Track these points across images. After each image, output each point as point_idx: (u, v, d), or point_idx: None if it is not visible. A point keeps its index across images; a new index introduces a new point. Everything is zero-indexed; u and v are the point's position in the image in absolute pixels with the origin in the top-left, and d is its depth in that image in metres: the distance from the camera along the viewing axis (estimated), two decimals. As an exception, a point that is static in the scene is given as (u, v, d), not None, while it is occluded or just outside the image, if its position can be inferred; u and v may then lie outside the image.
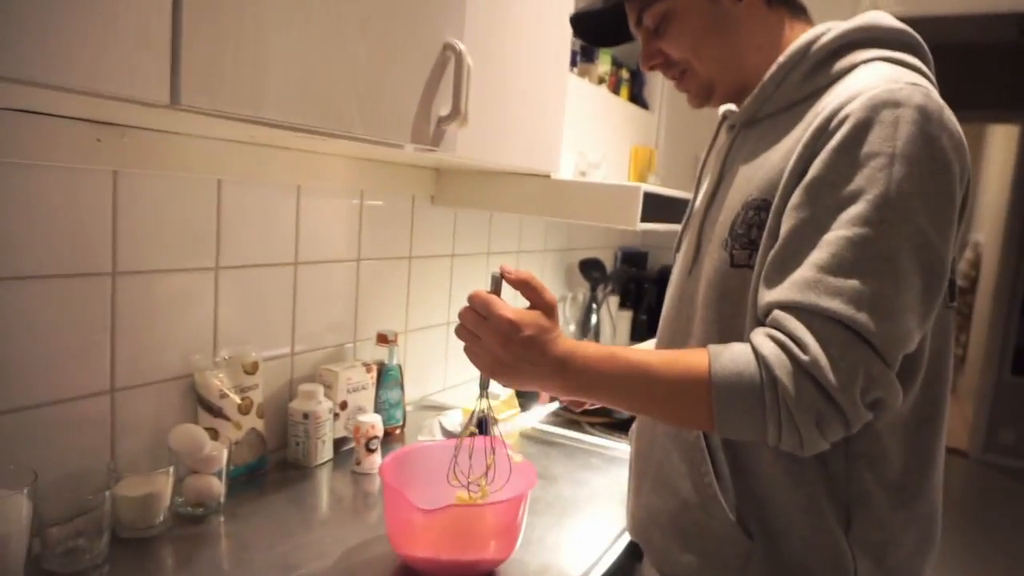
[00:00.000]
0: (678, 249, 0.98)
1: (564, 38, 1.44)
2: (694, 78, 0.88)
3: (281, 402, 1.29)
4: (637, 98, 2.07)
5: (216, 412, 1.12)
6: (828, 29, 0.80)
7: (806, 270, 0.68)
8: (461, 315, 0.77)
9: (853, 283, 0.65)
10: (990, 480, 4.51)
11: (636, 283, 2.63)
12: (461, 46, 1.03)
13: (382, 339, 1.43)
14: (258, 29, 0.74)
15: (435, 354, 1.74)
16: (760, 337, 0.69)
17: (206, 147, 1.09)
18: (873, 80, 0.72)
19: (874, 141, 0.67)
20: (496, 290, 0.78)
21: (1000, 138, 5.56)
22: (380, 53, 0.91)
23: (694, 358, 0.72)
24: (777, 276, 0.71)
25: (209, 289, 1.14)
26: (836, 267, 0.66)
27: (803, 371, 0.65)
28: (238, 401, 1.15)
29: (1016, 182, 4.69)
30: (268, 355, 1.26)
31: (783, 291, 0.69)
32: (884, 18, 0.79)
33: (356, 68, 0.88)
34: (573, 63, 1.67)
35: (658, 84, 2.12)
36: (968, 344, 5.77)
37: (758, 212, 0.77)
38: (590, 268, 2.31)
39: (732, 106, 0.94)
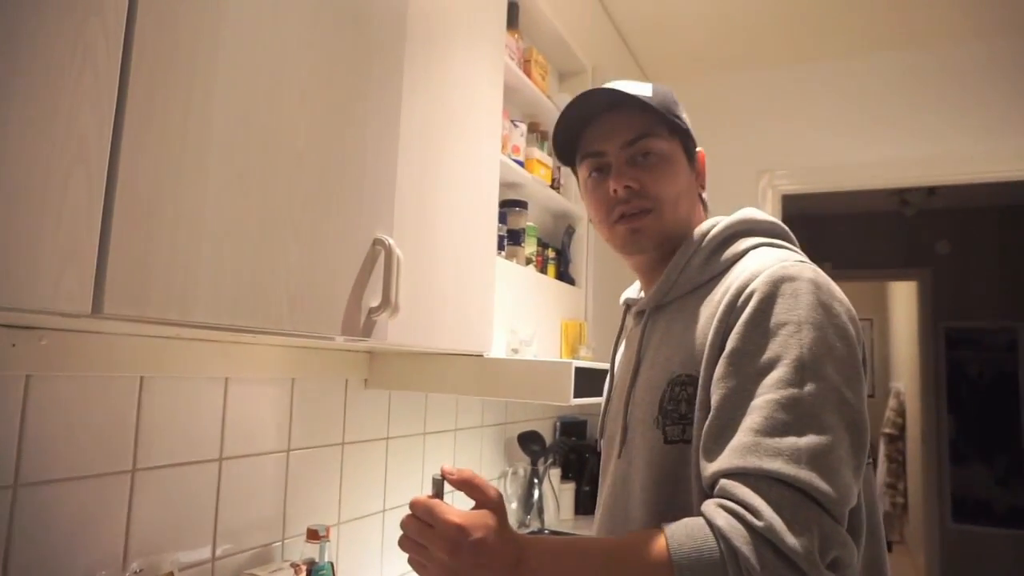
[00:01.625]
0: (602, 436, 0.99)
1: (491, 225, 1.52)
2: (657, 222, 0.90)
3: (198, 617, 1.17)
4: (564, 275, 2.17)
5: (122, 637, 1.01)
6: (716, 223, 0.91)
7: (743, 436, 0.70)
8: (403, 524, 0.74)
9: (790, 441, 0.68)
10: (953, 638, 4.37)
11: (577, 453, 2.60)
12: (390, 240, 1.08)
13: (312, 535, 1.35)
14: (194, 236, 0.77)
15: (370, 546, 1.64)
16: (711, 508, 0.70)
17: (130, 344, 1.07)
18: (767, 260, 0.81)
19: (780, 312, 0.75)
20: (438, 493, 0.76)
21: (901, 293, 6.01)
22: (312, 252, 0.94)
23: (651, 539, 0.70)
24: (715, 446, 0.73)
25: (123, 494, 1.07)
26: (770, 428, 0.69)
27: (761, 538, 0.65)
28: (148, 621, 1.04)
29: (922, 331, 5.01)
30: (187, 562, 1.16)
31: (724, 459, 0.71)
32: (757, 213, 0.92)
33: (288, 268, 0.90)
34: (500, 247, 1.76)
35: (583, 260, 2.24)
36: (907, 492, 5.82)
37: (684, 387, 0.81)
38: (529, 441, 2.28)
39: (632, 295, 1.03)
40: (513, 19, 1.82)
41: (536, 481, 2.28)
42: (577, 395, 1.47)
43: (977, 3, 2.49)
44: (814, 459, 0.67)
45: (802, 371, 0.71)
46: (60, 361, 0.98)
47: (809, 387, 0.71)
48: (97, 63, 0.68)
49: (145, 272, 0.71)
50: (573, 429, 2.77)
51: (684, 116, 0.96)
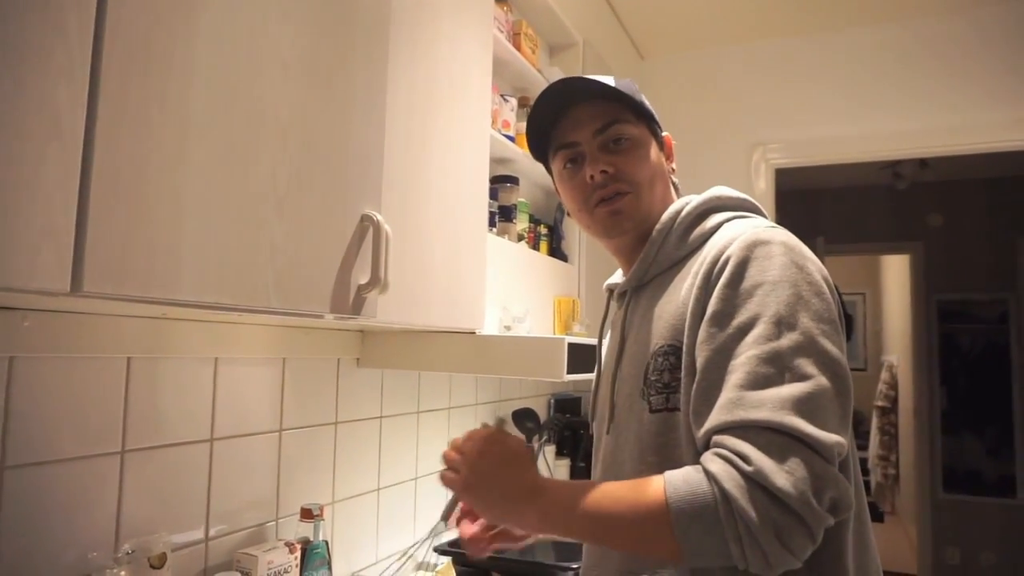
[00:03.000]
0: (593, 417, 1.00)
1: (482, 201, 1.51)
2: (635, 204, 0.93)
3: (193, 597, 1.17)
4: (556, 252, 2.16)
5: (116, 618, 1.00)
6: (688, 201, 0.94)
7: (728, 392, 0.73)
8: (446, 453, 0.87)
9: (772, 392, 0.70)
10: (944, 605, 4.44)
11: (571, 430, 2.61)
12: (379, 216, 1.06)
13: (306, 514, 1.34)
14: (175, 213, 0.75)
15: (366, 525, 1.64)
16: (707, 456, 0.72)
17: (115, 325, 1.06)
18: (739, 229, 0.84)
19: (754, 274, 0.77)
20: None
21: (894, 266, 6.02)
22: (298, 229, 0.93)
23: (652, 483, 0.73)
24: (704, 408, 0.75)
25: (113, 476, 1.06)
26: (753, 382, 0.72)
27: (752, 482, 0.67)
28: (142, 602, 1.03)
29: (914, 304, 5.03)
30: (180, 542, 1.16)
31: (713, 418, 0.73)
32: (727, 190, 0.95)
33: (273, 245, 0.88)
34: (492, 223, 1.74)
35: (576, 237, 2.23)
36: (899, 464, 5.89)
37: (667, 357, 0.83)
38: (524, 419, 2.28)
39: (614, 280, 1.06)
40: (501, -9, 1.79)
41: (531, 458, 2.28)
42: (571, 371, 1.46)
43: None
44: (798, 404, 0.69)
45: (779, 325, 0.73)
46: (44, 343, 0.96)
47: (787, 339, 0.73)
48: (69, 35, 0.66)
49: (125, 249, 0.70)
50: (568, 406, 2.77)
51: (647, 101, 0.98)
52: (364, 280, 1.04)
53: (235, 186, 0.83)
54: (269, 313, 0.92)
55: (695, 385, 0.77)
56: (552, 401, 2.69)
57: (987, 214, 4.90)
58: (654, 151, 0.95)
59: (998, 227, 4.84)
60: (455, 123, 1.39)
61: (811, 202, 5.15)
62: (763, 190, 2.88)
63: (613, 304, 1.05)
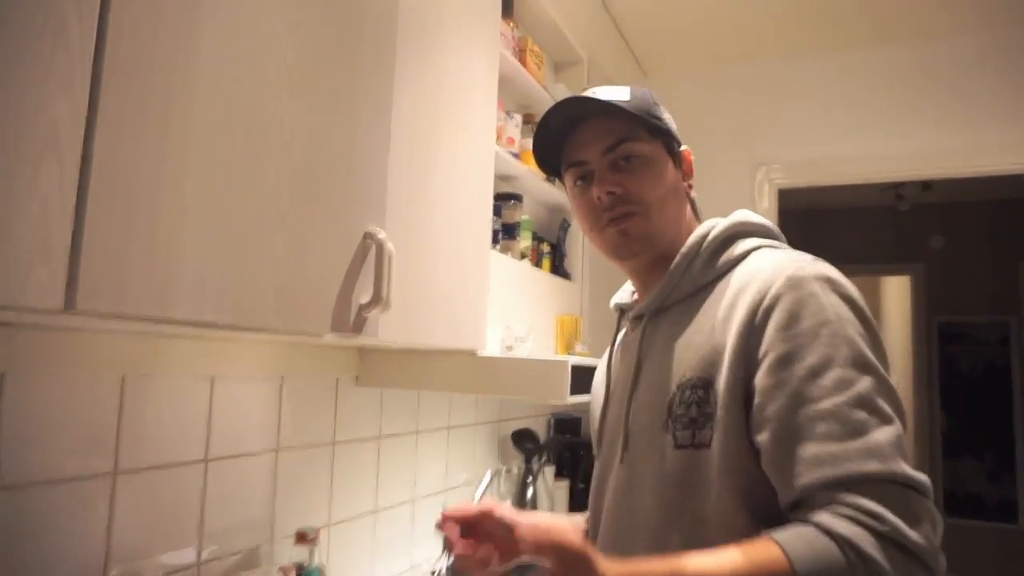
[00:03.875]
0: (599, 444, 0.97)
1: (486, 218, 1.48)
2: (644, 225, 0.89)
3: (183, 623, 1.14)
4: (559, 270, 2.13)
5: (102, 646, 0.97)
6: (714, 224, 0.91)
7: (827, 444, 0.69)
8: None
9: (873, 439, 0.68)
10: (946, 633, 4.38)
11: (571, 451, 2.57)
12: (382, 234, 1.04)
13: (301, 538, 1.31)
14: (173, 229, 0.73)
15: (361, 548, 1.60)
16: (828, 518, 0.67)
17: (111, 342, 1.03)
18: (778, 261, 0.81)
19: (813, 313, 0.75)
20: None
21: (895, 288, 6.01)
22: (299, 245, 0.90)
23: (768, 556, 0.67)
24: (788, 460, 0.71)
25: (104, 497, 1.03)
26: (851, 432, 0.69)
27: (887, 540, 0.65)
28: (130, 629, 1.00)
29: (915, 326, 5.01)
30: (172, 565, 1.12)
31: (815, 472, 0.69)
32: (751, 215, 0.93)
33: (275, 261, 0.86)
34: (495, 241, 1.72)
35: (579, 255, 2.21)
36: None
37: (695, 390, 0.80)
38: (523, 439, 2.25)
39: (623, 299, 1.02)
40: (508, 7, 1.78)
41: (530, 479, 2.25)
42: (574, 392, 1.43)
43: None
44: (897, 450, 0.69)
45: (856, 368, 0.72)
46: (37, 359, 0.93)
47: (865, 382, 0.72)
48: (70, 43, 0.64)
49: (121, 266, 0.67)
50: (567, 426, 2.73)
51: (666, 116, 0.95)
52: (366, 299, 1.02)
53: (237, 202, 0.81)
54: (268, 332, 0.89)
55: (770, 433, 0.73)
56: (552, 421, 2.66)
57: (989, 236, 4.89)
58: (669, 169, 0.92)
59: (1000, 250, 4.84)
60: (460, 139, 1.38)
61: (813, 222, 5.14)
62: (766, 209, 2.86)
63: (624, 324, 1.02)
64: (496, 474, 2.25)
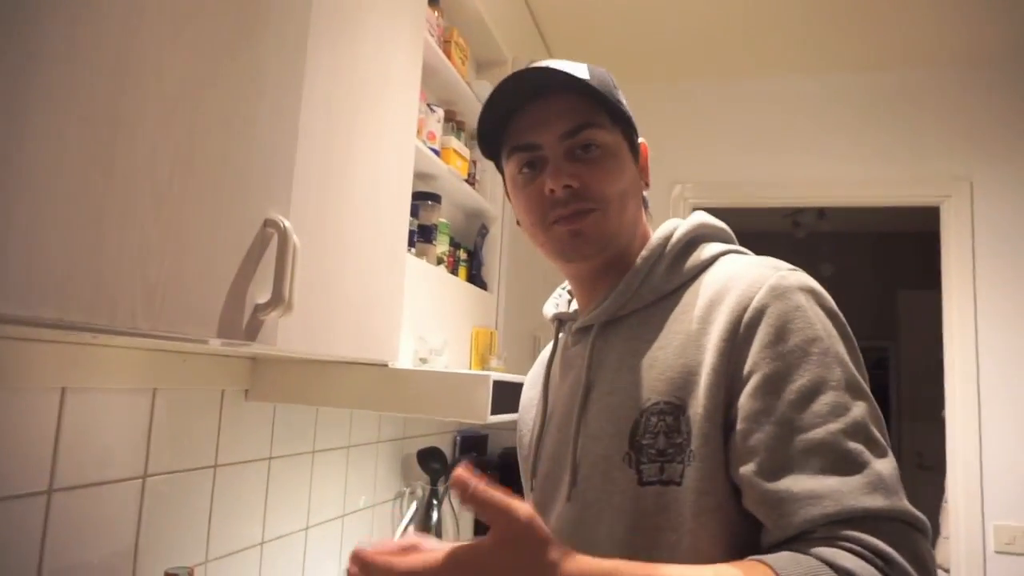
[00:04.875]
0: (534, 474, 0.84)
1: (403, 216, 1.34)
2: (602, 224, 0.77)
3: None
4: (475, 279, 2.00)
5: None
6: (677, 225, 0.82)
7: (826, 478, 0.62)
8: None
9: (873, 472, 0.62)
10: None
11: (478, 471, 2.43)
12: (286, 223, 0.88)
13: (171, 581, 1.10)
14: (5, 200, 0.54)
15: (244, 585, 1.40)
16: (828, 550, 0.59)
17: (-77, 344, 0.81)
18: (755, 267, 0.73)
19: (800, 328, 0.67)
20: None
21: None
22: (180, 231, 0.73)
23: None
24: (781, 495, 0.63)
25: (-96, 542, 0.80)
26: (851, 464, 0.62)
27: None
28: None
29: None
30: (-4, 624, 0.90)
31: (814, 507, 0.61)
32: (710, 218, 0.85)
33: (146, 249, 0.68)
34: (410, 243, 1.57)
35: (496, 264, 2.09)
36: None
37: (662, 417, 0.68)
38: (429, 459, 2.09)
39: (561, 308, 0.90)
40: (434, -7, 1.64)
41: (435, 502, 2.09)
42: (495, 411, 1.30)
43: (882, 38, 2.56)
44: (897, 483, 0.63)
45: (850, 392, 0.65)
46: None
47: (860, 408, 0.65)
48: None
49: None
50: (473, 444, 2.60)
51: (624, 101, 0.83)
52: (263, 299, 0.85)
53: (96, 168, 0.63)
54: (135, 336, 0.71)
55: (756, 466, 0.64)
56: (458, 439, 2.51)
57: (873, 265, 5.18)
58: (629, 162, 0.80)
59: (882, 278, 5.13)
60: (379, 124, 1.22)
61: (714, 244, 5.26)
62: (680, 228, 2.87)
63: (566, 337, 0.89)
64: (399, 496, 2.08)
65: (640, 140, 0.85)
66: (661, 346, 0.73)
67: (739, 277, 0.71)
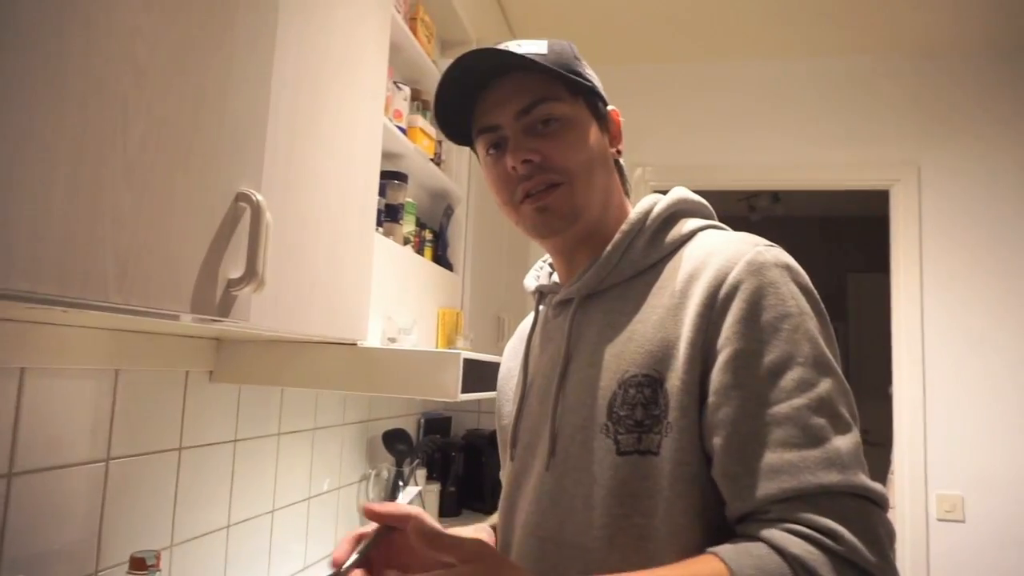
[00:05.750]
0: (514, 445, 0.84)
1: (371, 194, 1.32)
2: (568, 196, 0.77)
3: None
4: (441, 260, 1.99)
5: None
6: (657, 200, 0.82)
7: (785, 452, 0.63)
8: None
9: (832, 447, 0.63)
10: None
11: (442, 452, 2.44)
12: (258, 197, 0.86)
13: (137, 564, 1.07)
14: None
15: (212, 570, 1.38)
16: (780, 536, 0.60)
17: None
18: (733, 242, 0.73)
19: (773, 304, 0.68)
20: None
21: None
22: (152, 200, 0.71)
23: (709, 571, 0.59)
24: (742, 469, 0.64)
25: None
26: (811, 438, 0.63)
27: (842, 560, 0.59)
28: None
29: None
30: (-46, 613, 0.87)
31: (772, 483, 0.63)
32: (691, 194, 0.85)
33: (118, 221, 0.66)
34: (378, 223, 1.55)
35: (461, 245, 2.08)
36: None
37: (640, 389, 0.69)
38: (395, 440, 2.09)
39: (542, 281, 0.90)
40: (399, -32, 1.62)
41: (401, 484, 2.09)
42: (465, 390, 1.31)
43: (836, 25, 2.62)
44: (856, 458, 0.63)
45: (817, 368, 0.66)
46: None
47: (826, 384, 0.65)
48: None
49: None
50: (438, 426, 2.60)
51: (588, 72, 0.83)
52: (236, 274, 0.83)
53: (65, 135, 0.60)
54: (108, 310, 0.69)
55: (722, 439, 0.65)
56: (422, 421, 2.51)
57: (823, 249, 5.33)
58: (593, 132, 0.80)
59: (833, 262, 5.28)
60: (348, 101, 1.21)
61: (672, 228, 5.34)
62: (641, 211, 2.90)
63: (547, 310, 0.90)
64: (365, 478, 2.07)
65: (610, 108, 0.85)
66: (640, 319, 0.74)
67: (717, 252, 0.72)
